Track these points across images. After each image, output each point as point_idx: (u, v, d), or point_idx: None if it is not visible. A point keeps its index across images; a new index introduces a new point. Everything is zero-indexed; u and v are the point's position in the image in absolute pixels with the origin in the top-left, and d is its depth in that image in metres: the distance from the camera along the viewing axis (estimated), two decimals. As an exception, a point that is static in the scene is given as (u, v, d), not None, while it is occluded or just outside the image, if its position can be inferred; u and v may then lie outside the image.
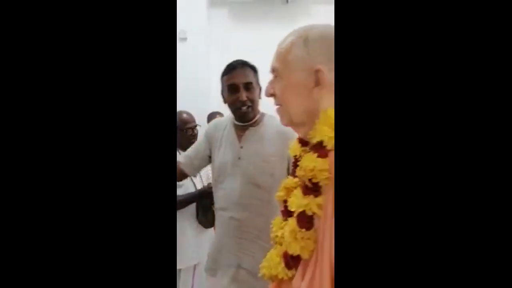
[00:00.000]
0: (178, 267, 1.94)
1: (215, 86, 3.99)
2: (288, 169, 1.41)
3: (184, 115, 2.24)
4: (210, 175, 1.97)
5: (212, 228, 1.91)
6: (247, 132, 1.50)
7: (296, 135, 1.43)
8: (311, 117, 0.71)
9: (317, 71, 0.68)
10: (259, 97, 1.51)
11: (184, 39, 3.64)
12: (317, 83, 0.69)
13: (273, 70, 0.77)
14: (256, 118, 1.51)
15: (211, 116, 3.25)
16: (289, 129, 1.47)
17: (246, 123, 1.50)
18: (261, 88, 1.51)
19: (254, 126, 1.51)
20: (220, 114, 3.21)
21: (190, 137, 2.15)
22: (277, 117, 1.73)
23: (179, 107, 2.22)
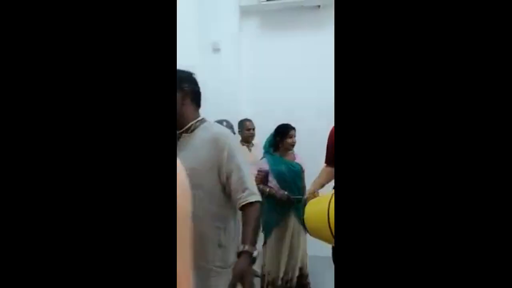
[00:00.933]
0: None
1: (247, 94, 4.02)
2: (219, 180, 1.34)
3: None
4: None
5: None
6: (181, 140, 1.41)
7: (230, 142, 1.40)
8: None
9: None
10: (183, 103, 1.39)
11: (218, 50, 3.71)
12: None
13: None
14: (188, 125, 1.41)
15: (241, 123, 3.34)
16: (223, 136, 1.41)
17: (179, 130, 1.41)
18: (191, 93, 1.42)
19: (188, 133, 1.41)
20: (250, 121, 3.27)
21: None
22: (216, 124, 1.57)
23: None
